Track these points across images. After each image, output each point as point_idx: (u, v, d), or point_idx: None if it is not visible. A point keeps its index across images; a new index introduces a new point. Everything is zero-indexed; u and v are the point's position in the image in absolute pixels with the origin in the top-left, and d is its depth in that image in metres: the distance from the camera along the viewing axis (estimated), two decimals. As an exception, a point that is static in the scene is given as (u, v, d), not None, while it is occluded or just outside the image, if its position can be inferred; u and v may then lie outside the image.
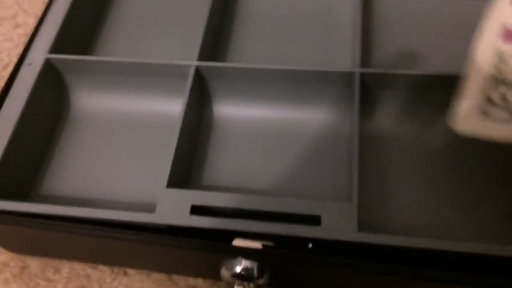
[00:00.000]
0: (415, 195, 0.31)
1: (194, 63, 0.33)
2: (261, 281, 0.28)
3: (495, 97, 0.24)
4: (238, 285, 0.28)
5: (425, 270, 0.25)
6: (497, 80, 0.24)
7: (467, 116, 0.26)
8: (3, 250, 0.35)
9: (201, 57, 0.34)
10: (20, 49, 0.46)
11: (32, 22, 0.48)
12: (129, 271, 0.34)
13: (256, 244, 0.27)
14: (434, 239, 0.26)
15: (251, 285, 0.28)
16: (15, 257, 0.35)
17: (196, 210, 0.28)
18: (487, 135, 0.26)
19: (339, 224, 0.26)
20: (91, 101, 0.37)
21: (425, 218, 0.30)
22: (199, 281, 0.33)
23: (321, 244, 0.27)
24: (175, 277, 0.34)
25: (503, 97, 0.24)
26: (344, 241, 0.26)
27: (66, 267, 0.35)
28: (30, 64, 0.35)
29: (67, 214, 0.29)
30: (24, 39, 0.47)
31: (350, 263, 0.25)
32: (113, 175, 0.34)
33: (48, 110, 0.36)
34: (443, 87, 0.29)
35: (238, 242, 0.27)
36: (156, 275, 0.34)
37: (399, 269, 0.25)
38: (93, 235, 0.28)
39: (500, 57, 0.23)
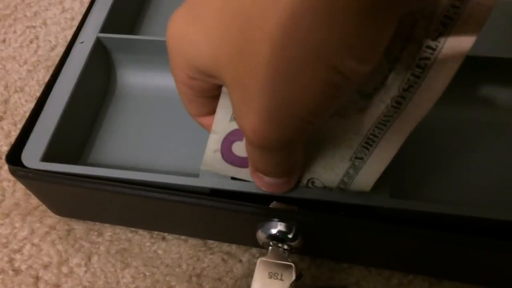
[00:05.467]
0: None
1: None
2: (294, 244, 0.30)
3: None
4: (273, 246, 0.30)
5: (454, 234, 0.27)
6: None
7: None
8: (51, 214, 0.38)
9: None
10: (66, 32, 0.49)
11: (77, 7, 0.51)
12: (167, 236, 0.37)
13: (292, 207, 0.29)
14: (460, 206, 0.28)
15: (285, 246, 0.30)
16: (61, 221, 0.38)
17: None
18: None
19: (371, 191, 0.28)
20: (136, 78, 0.40)
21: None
22: (233, 247, 0.36)
23: (354, 211, 0.29)
24: (210, 243, 0.36)
25: None
26: (376, 207, 0.28)
27: (109, 231, 0.37)
28: (82, 42, 0.38)
29: (114, 176, 0.31)
30: (70, 23, 0.50)
31: (388, 228, 0.27)
32: (156, 147, 0.36)
33: (98, 85, 0.38)
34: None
35: (275, 205, 0.29)
36: (192, 241, 0.36)
37: (432, 233, 0.27)
38: (139, 196, 0.31)
39: None
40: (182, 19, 0.21)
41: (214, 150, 0.28)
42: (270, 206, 0.29)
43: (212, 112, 0.26)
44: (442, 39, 0.20)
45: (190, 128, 0.36)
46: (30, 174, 0.32)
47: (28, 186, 0.34)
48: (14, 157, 0.32)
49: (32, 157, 0.32)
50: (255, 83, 0.18)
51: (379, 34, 0.17)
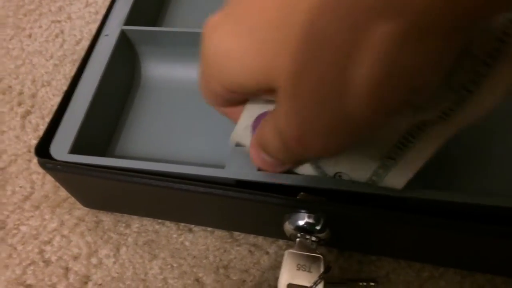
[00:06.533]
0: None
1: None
2: (322, 235, 0.30)
3: None
4: (301, 238, 0.30)
5: (487, 226, 0.26)
6: None
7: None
8: (80, 206, 0.39)
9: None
10: (91, 26, 0.50)
11: (101, 0, 0.51)
12: (194, 228, 0.37)
13: (320, 198, 0.29)
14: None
15: (313, 238, 0.30)
16: (90, 213, 0.38)
17: (263, 167, 0.30)
18: None
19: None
20: (160, 70, 0.40)
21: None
22: (259, 239, 0.35)
23: (383, 202, 0.28)
24: (237, 235, 0.36)
25: None
26: (407, 198, 0.27)
27: (136, 223, 0.38)
28: (106, 35, 0.38)
29: (141, 168, 0.31)
30: (95, 17, 0.50)
31: (419, 219, 0.27)
32: (181, 138, 0.36)
33: (123, 77, 0.39)
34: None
35: (303, 196, 0.29)
36: (219, 233, 0.36)
37: (464, 225, 0.27)
38: (166, 187, 0.31)
39: None
40: (227, 33, 0.20)
41: (245, 125, 0.27)
42: (298, 197, 0.29)
43: (235, 105, 0.26)
44: (498, 55, 0.19)
45: (215, 120, 0.36)
46: (59, 166, 0.32)
47: (57, 178, 0.35)
48: (42, 149, 0.33)
49: (60, 149, 0.33)
50: (321, 99, 0.17)
51: (450, 55, 0.16)
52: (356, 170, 0.27)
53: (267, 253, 0.35)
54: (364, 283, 0.32)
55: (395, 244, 0.32)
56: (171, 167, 0.31)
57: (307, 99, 0.17)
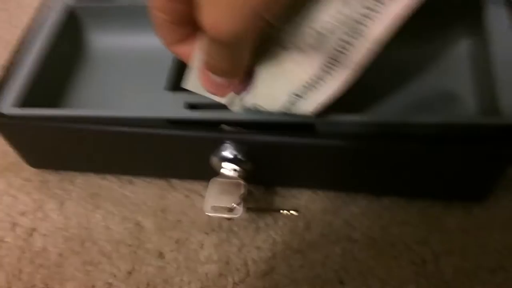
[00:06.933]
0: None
1: None
2: (244, 165, 0.33)
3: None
4: (225, 168, 0.33)
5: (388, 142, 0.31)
6: None
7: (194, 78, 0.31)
8: (27, 168, 0.41)
9: None
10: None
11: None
12: (134, 180, 0.40)
13: (240, 129, 0.32)
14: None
15: (237, 168, 0.33)
16: (36, 173, 0.41)
17: (190, 107, 0.34)
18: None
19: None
20: (103, 41, 0.43)
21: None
22: (194, 185, 0.39)
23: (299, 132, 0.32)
24: (174, 182, 0.39)
25: None
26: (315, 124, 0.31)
27: (80, 179, 0.40)
28: (49, 7, 0.41)
29: (78, 115, 0.34)
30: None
31: (326, 142, 0.31)
32: (123, 94, 0.39)
33: (66, 47, 0.41)
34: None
35: (224, 128, 0.33)
36: (157, 182, 0.39)
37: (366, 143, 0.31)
38: (102, 132, 0.34)
39: None
40: None
41: (193, 69, 0.30)
42: (219, 128, 0.33)
43: (184, 39, 0.29)
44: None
45: (155, 81, 0.39)
46: (4, 118, 0.35)
47: (4, 134, 0.37)
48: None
49: (6, 106, 0.35)
50: None
51: None
52: (270, 103, 0.31)
53: (202, 195, 0.38)
54: (287, 212, 0.35)
55: (312, 175, 0.35)
56: (106, 111, 0.34)
57: None
